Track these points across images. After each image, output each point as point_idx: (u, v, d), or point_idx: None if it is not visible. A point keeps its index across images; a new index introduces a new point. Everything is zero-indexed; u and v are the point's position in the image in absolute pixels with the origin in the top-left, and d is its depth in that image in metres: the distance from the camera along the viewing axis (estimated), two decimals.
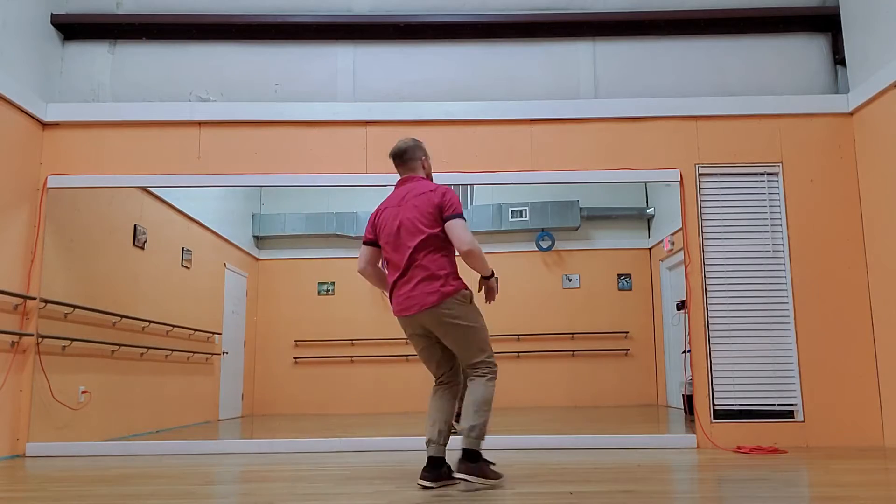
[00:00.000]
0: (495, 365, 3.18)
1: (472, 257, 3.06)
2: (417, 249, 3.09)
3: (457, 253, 3.12)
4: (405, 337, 3.30)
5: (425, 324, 3.12)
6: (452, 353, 3.24)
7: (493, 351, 3.21)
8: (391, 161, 3.35)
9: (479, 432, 3.05)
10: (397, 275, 3.15)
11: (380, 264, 3.33)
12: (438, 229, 3.11)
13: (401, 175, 3.31)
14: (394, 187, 3.30)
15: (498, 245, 7.92)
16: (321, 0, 5.12)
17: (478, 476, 3.02)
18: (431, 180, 3.33)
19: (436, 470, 3.09)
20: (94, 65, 5.05)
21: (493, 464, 3.14)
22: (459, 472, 3.04)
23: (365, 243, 3.29)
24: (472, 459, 3.04)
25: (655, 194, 7.47)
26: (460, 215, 3.09)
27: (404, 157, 3.28)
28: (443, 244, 3.12)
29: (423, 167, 3.31)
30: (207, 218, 7.03)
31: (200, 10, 5.08)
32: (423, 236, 3.09)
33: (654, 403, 7.35)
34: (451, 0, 5.12)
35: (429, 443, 3.13)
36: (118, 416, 5.40)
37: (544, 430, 5.17)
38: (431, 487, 3.05)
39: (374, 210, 3.31)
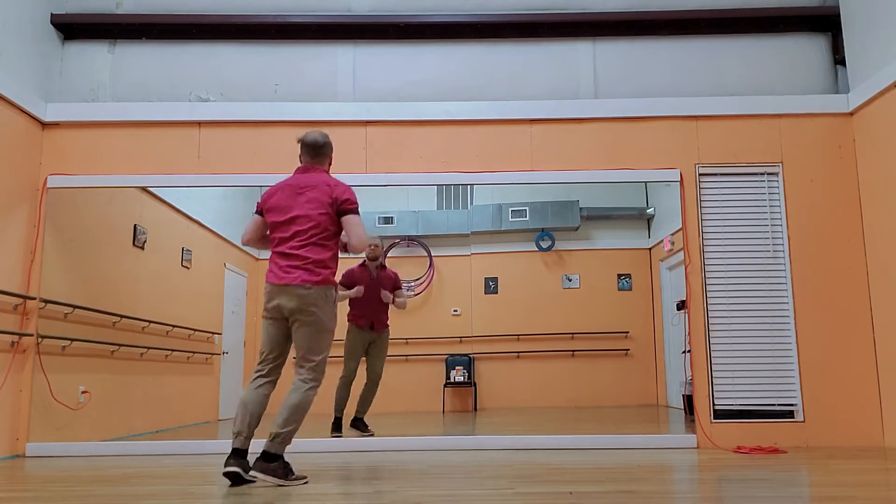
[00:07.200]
0: (322, 375, 3.31)
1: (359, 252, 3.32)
2: (306, 235, 3.25)
3: (340, 251, 3.36)
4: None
5: (290, 303, 3.21)
6: (286, 346, 3.33)
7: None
8: (301, 145, 3.46)
9: (284, 440, 3.16)
10: (282, 248, 3.28)
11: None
12: (328, 222, 3.28)
13: (305, 163, 3.44)
14: (294, 174, 3.42)
15: (498, 245, 7.91)
16: (321, 0, 5.12)
17: (272, 475, 3.10)
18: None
19: (243, 459, 3.15)
20: (93, 65, 5.05)
21: (292, 472, 3.19)
22: (255, 469, 3.10)
23: (257, 213, 3.44)
24: (270, 460, 3.12)
25: (655, 194, 7.46)
26: (357, 211, 3.31)
27: (320, 151, 3.45)
28: (329, 237, 3.30)
29: (329, 163, 3.51)
30: (207, 218, 7.02)
31: (200, 10, 5.08)
32: (313, 223, 3.26)
33: (654, 403, 7.35)
34: (451, 0, 5.12)
35: (237, 434, 3.17)
36: (118, 416, 5.40)
37: (544, 430, 5.16)
38: (240, 474, 3.09)
39: (272, 188, 3.42)
